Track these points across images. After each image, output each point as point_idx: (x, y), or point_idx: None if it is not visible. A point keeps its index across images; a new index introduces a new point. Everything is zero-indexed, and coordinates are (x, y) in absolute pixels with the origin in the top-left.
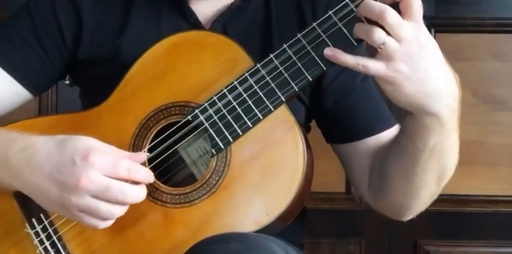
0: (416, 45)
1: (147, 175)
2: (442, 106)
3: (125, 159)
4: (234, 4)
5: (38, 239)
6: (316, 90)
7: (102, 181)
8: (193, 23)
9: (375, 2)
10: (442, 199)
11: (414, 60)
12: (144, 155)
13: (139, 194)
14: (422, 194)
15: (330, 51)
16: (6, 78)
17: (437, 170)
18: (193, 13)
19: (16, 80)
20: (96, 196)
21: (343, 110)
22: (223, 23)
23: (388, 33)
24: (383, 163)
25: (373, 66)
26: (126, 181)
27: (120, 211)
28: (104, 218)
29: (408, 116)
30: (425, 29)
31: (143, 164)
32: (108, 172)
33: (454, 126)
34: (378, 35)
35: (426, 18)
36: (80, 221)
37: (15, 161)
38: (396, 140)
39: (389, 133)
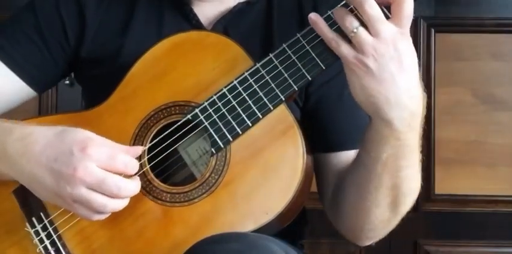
0: (392, 46)
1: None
2: (398, 117)
3: (122, 152)
4: (236, 7)
5: (38, 238)
6: (304, 93)
7: (98, 174)
8: (195, 25)
9: None
10: (442, 199)
11: (384, 60)
12: (140, 148)
13: (133, 188)
14: (375, 215)
15: (314, 16)
16: (10, 75)
17: (390, 190)
18: (195, 15)
19: (19, 77)
20: (91, 188)
21: (324, 118)
22: (224, 25)
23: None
24: (342, 179)
25: (345, 47)
26: (120, 174)
27: (114, 204)
28: (97, 211)
29: (368, 123)
30: (410, 40)
31: (143, 163)
32: (104, 165)
33: (411, 144)
34: (350, 21)
35: (426, 18)
36: (74, 211)
37: (13, 150)
38: (357, 153)
39: None
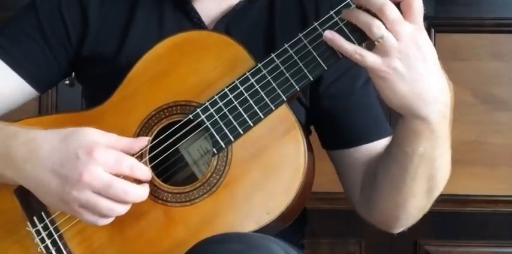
0: (414, 45)
1: (148, 173)
2: (433, 111)
3: (128, 156)
4: (238, 5)
5: (39, 237)
6: (314, 92)
7: (105, 178)
8: (196, 23)
9: None
10: (442, 199)
11: (410, 60)
12: (145, 139)
13: (140, 193)
14: (411, 205)
15: (329, 34)
16: (12, 75)
17: (426, 180)
18: (196, 12)
19: (21, 77)
20: (97, 192)
21: (339, 115)
22: (226, 24)
23: (386, 28)
24: (374, 172)
25: (371, 57)
26: (128, 178)
27: (120, 209)
28: (103, 215)
29: (399, 120)
30: (425, 33)
31: (145, 163)
32: (111, 169)
33: (445, 133)
34: (378, 27)
35: (426, 18)
36: (79, 217)
37: (17, 155)
38: (387, 147)
39: (385, 143)
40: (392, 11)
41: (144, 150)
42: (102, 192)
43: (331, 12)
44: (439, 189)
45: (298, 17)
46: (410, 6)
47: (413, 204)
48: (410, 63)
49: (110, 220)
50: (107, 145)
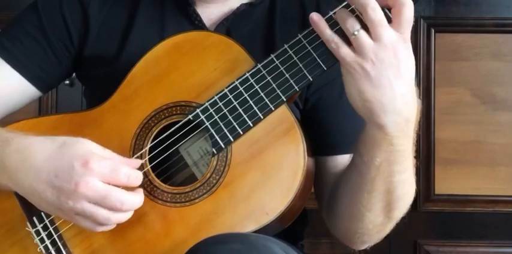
0: (391, 52)
1: (141, 178)
2: (392, 122)
3: (124, 165)
4: (239, 8)
5: (39, 237)
6: (303, 95)
7: (101, 189)
8: (197, 26)
9: None
10: (442, 199)
11: (383, 66)
12: (139, 162)
13: (136, 202)
14: (368, 219)
15: (315, 16)
16: (15, 76)
17: (383, 194)
18: (197, 15)
19: (24, 77)
20: (94, 203)
21: (319, 122)
22: (227, 27)
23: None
24: (337, 182)
25: (345, 49)
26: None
27: (117, 218)
28: (100, 224)
29: (363, 128)
30: (409, 46)
31: (144, 163)
32: (107, 179)
33: (404, 150)
34: (351, 23)
35: (426, 18)
36: (76, 223)
37: (10, 162)
38: (352, 157)
39: None
40: (374, 10)
41: (144, 150)
42: (99, 202)
43: (331, 13)
44: (400, 209)
45: (299, 21)
46: (399, 14)
47: (370, 219)
48: (382, 68)
49: (109, 227)
50: (102, 156)
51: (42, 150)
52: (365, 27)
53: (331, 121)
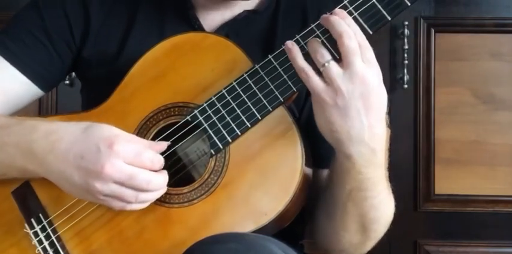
0: (362, 83)
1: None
2: (358, 153)
3: (148, 149)
4: (241, 15)
5: (37, 239)
6: (300, 106)
7: (126, 170)
8: (196, 30)
9: (342, 20)
10: (442, 199)
11: (353, 96)
12: (165, 144)
13: (161, 181)
14: (344, 238)
15: (290, 45)
16: (17, 75)
17: (357, 217)
18: (197, 19)
19: (26, 77)
20: (120, 183)
21: (311, 132)
22: (226, 31)
23: (339, 59)
24: (317, 198)
25: (315, 80)
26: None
27: (145, 197)
28: (129, 202)
29: (333, 156)
30: (380, 77)
31: None
32: (131, 162)
33: (374, 177)
34: (322, 54)
35: (426, 18)
36: (106, 205)
37: (39, 147)
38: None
39: None
40: (351, 40)
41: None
42: (125, 183)
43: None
44: (376, 230)
45: (300, 28)
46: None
47: (346, 238)
48: (352, 99)
49: (140, 206)
50: (126, 139)
51: (68, 134)
52: (335, 59)
53: (319, 135)
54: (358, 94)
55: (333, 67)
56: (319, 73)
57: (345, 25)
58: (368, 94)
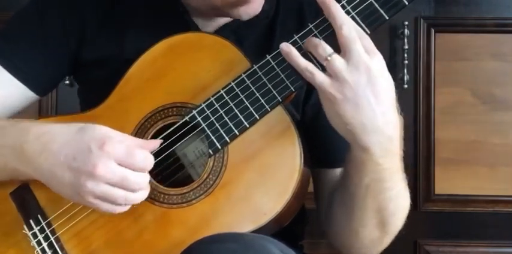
0: (366, 70)
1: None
2: (375, 143)
3: (140, 149)
4: (235, 22)
5: (36, 240)
6: (302, 107)
7: (118, 171)
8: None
9: (341, 12)
10: (442, 199)
11: (360, 85)
12: (158, 142)
13: (147, 181)
14: (363, 235)
15: (286, 47)
16: (12, 80)
17: (375, 211)
18: (193, 22)
19: (21, 82)
20: (112, 184)
21: (316, 134)
22: (225, 32)
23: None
24: (332, 197)
25: (320, 76)
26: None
27: (134, 197)
28: (119, 204)
29: (348, 149)
30: (381, 59)
31: None
32: (123, 162)
33: (392, 167)
34: (324, 48)
35: (426, 18)
36: (95, 207)
37: (31, 149)
38: (342, 174)
39: None
40: (350, 29)
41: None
42: (117, 184)
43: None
44: (395, 223)
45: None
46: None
47: (365, 234)
48: (359, 89)
49: (127, 207)
50: (118, 139)
51: (60, 135)
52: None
53: (328, 135)
54: (364, 83)
55: (336, 59)
56: (322, 70)
57: (346, 15)
58: (375, 81)
